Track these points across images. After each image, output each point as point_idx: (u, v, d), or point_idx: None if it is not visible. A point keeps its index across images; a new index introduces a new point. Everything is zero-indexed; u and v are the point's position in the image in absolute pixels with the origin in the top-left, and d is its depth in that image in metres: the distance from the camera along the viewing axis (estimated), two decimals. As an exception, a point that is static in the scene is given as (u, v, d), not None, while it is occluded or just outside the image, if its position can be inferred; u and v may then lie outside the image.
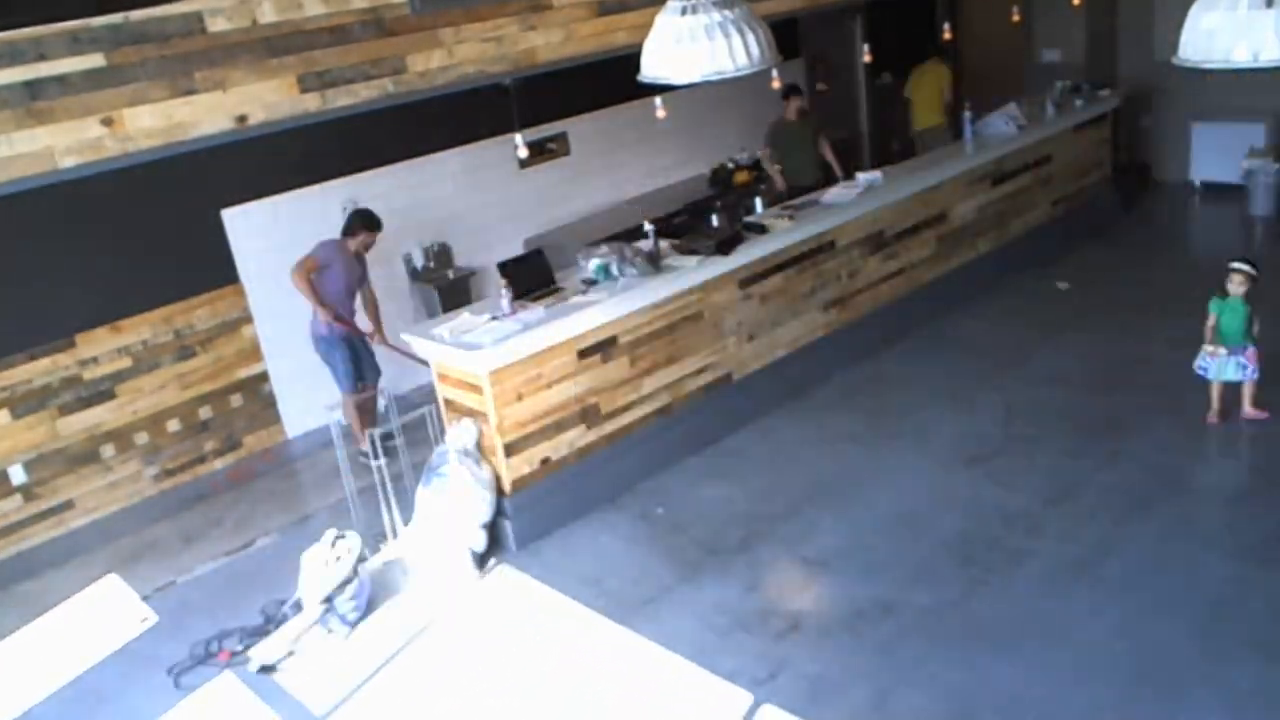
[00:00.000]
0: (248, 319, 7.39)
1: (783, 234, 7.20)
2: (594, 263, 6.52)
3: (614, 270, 6.45)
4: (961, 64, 12.49)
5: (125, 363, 6.88)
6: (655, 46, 4.29)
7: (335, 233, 7.13)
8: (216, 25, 5.09)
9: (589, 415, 6.34)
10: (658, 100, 6.59)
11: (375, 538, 6.26)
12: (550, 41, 6.25)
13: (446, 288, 8.14)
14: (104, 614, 6.05)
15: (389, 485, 6.07)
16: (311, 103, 5.46)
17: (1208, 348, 6.20)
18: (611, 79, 6.57)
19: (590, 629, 5.31)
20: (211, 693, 5.24)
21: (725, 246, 6.83)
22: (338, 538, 5.61)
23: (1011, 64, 11.70)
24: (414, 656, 5.30)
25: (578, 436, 6.31)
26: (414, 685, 5.10)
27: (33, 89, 4.65)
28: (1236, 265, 6.08)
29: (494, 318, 6.04)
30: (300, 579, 5.57)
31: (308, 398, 7.64)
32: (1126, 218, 10.15)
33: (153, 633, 5.81)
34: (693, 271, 6.66)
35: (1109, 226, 9.91)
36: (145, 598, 6.13)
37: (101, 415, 6.82)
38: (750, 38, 4.22)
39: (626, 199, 9.65)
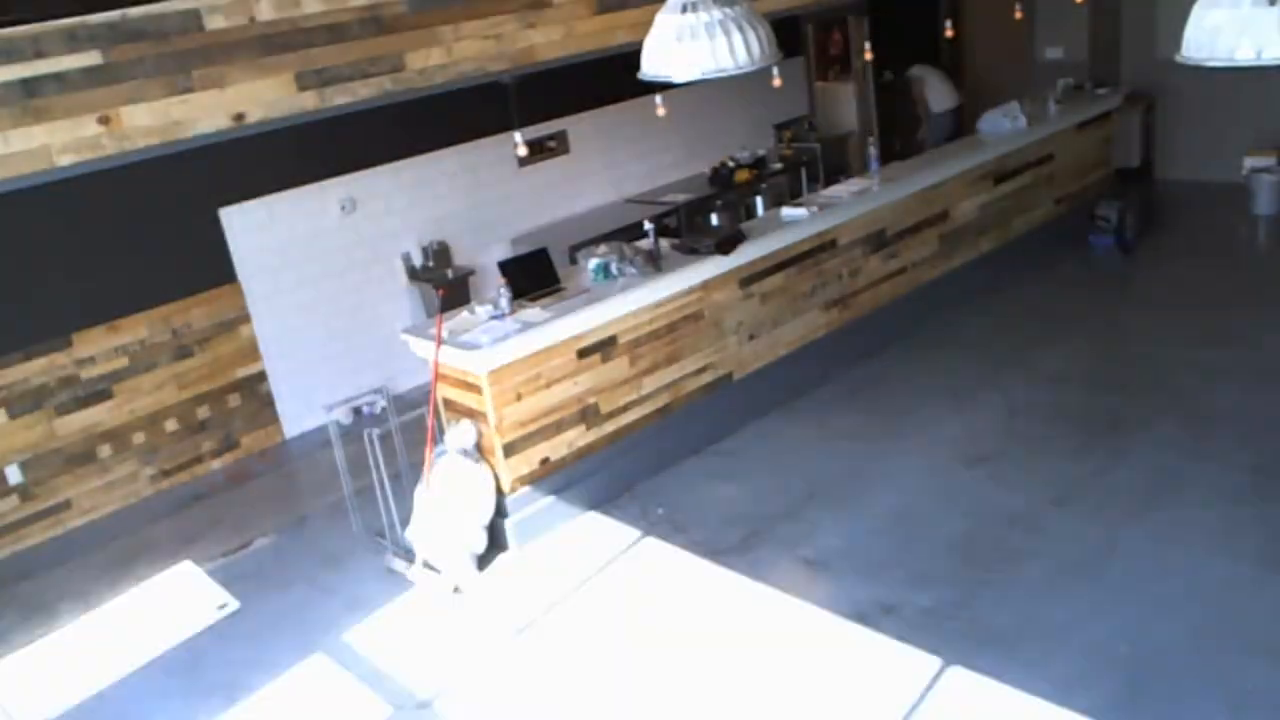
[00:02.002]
0: (245, 318, 7.37)
1: (783, 232, 7.17)
2: (593, 262, 6.50)
3: (613, 270, 6.42)
4: (963, 62, 12.48)
5: (122, 362, 6.86)
6: (655, 44, 4.27)
7: (331, 231, 7.10)
8: (214, 23, 5.06)
9: (589, 415, 6.31)
10: (658, 98, 6.56)
11: (374, 537, 6.24)
12: (550, 39, 6.21)
13: (445, 286, 8.11)
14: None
15: (388, 485, 6.05)
16: (309, 101, 5.42)
17: None
18: (611, 77, 6.54)
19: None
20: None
21: (726, 246, 6.80)
22: None
23: (1014, 62, 11.68)
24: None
25: (577, 436, 6.28)
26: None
27: (29, 86, 4.61)
28: None
29: (493, 317, 6.01)
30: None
31: (305, 398, 7.64)
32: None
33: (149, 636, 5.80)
34: (693, 270, 6.63)
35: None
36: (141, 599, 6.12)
37: (99, 415, 6.80)
38: (751, 35, 4.19)
39: (626, 197, 9.62)
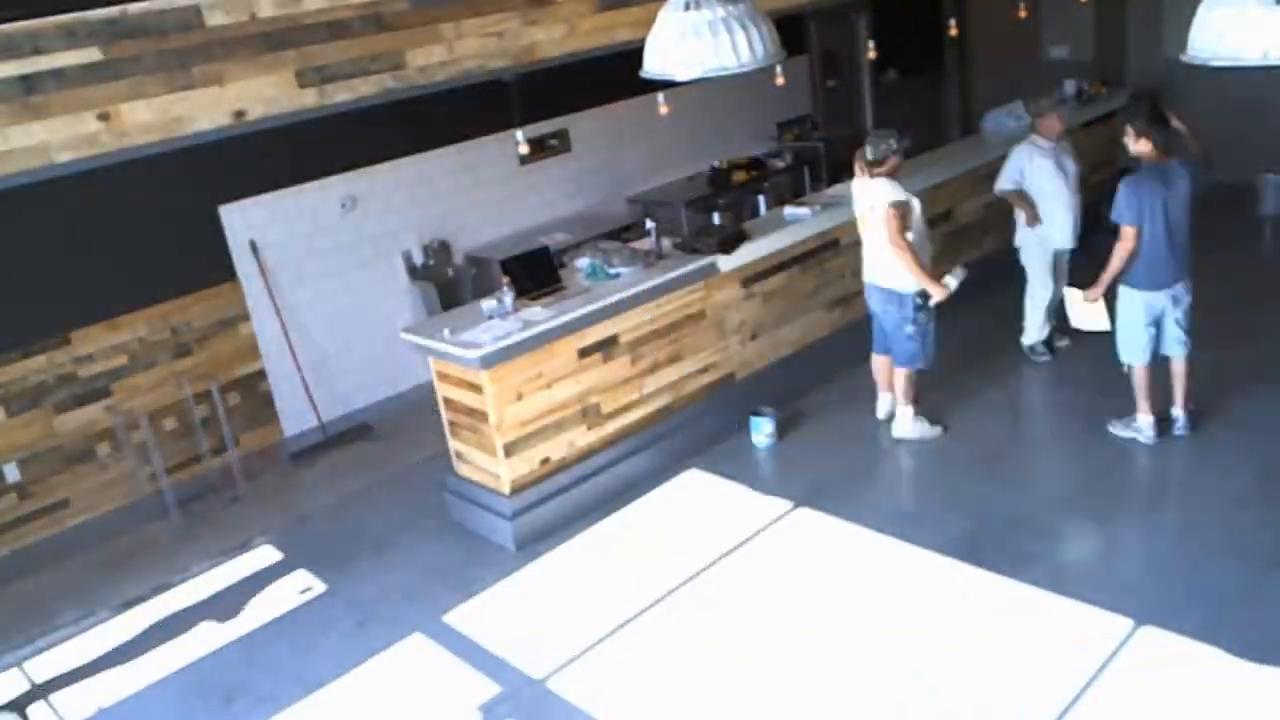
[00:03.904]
0: (245, 316, 7.35)
1: (785, 232, 7.13)
2: (584, 263, 6.49)
3: (605, 270, 6.41)
4: (967, 61, 12.44)
5: (121, 360, 6.83)
6: (658, 42, 4.24)
7: (331, 230, 7.00)
8: (214, 19, 5.03)
9: (590, 415, 6.28)
10: (660, 96, 6.54)
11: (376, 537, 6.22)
12: (552, 37, 6.18)
13: (446, 285, 8.09)
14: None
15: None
16: (310, 98, 5.39)
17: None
18: (613, 75, 6.51)
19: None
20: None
21: (728, 245, 6.77)
22: None
23: (1018, 61, 11.63)
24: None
25: (578, 436, 6.25)
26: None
27: (28, 83, 4.59)
28: None
29: (494, 316, 5.98)
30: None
31: (304, 396, 7.62)
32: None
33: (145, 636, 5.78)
34: (694, 270, 6.59)
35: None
36: (140, 598, 6.09)
37: (97, 413, 6.77)
38: (754, 33, 4.17)
39: (628, 196, 9.60)
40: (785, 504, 6.07)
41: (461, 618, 5.49)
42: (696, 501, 6.32)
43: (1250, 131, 10.17)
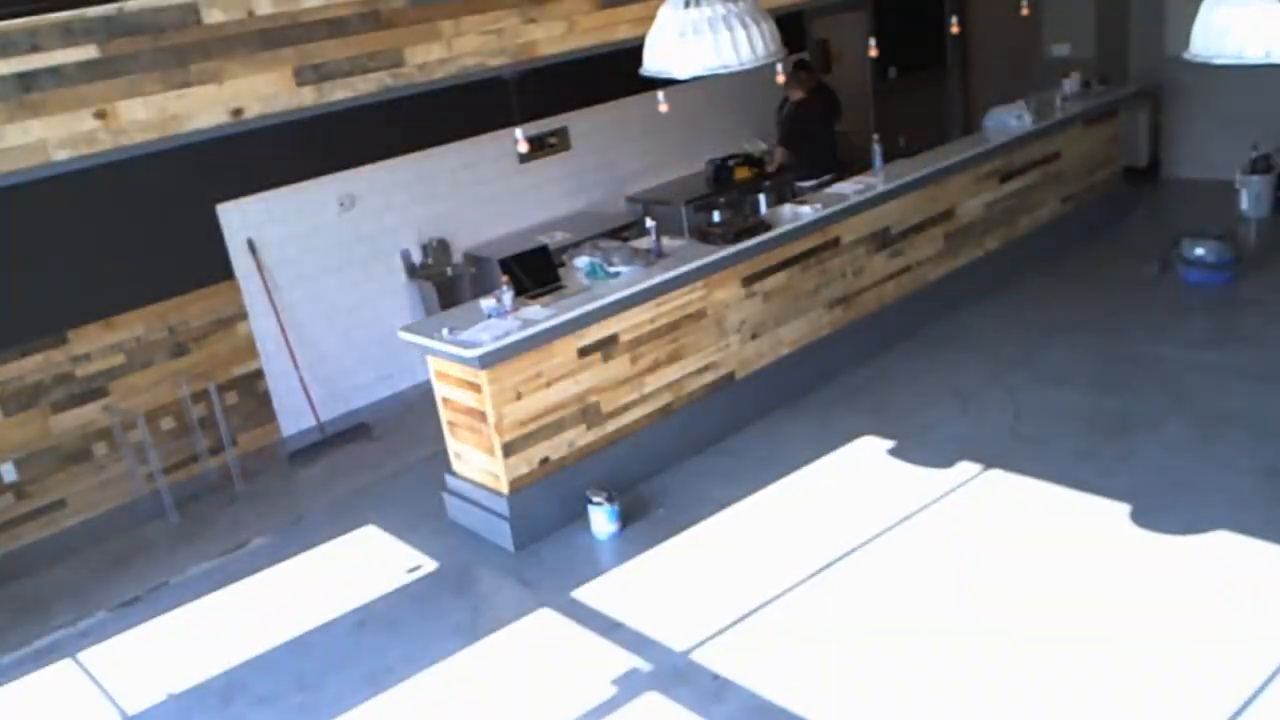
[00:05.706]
0: (243, 315, 7.32)
1: (786, 230, 7.11)
2: (584, 262, 6.47)
3: (603, 269, 6.39)
4: (969, 59, 12.42)
5: (119, 359, 6.80)
6: (658, 39, 4.23)
7: (329, 228, 7.00)
8: (212, 17, 5.00)
9: (589, 414, 6.26)
10: (660, 94, 6.52)
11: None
12: (551, 34, 6.16)
13: (445, 284, 8.06)
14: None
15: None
16: (308, 96, 5.36)
17: None
18: (613, 73, 6.48)
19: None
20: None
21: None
22: None
23: (1020, 59, 11.61)
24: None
25: (578, 436, 6.22)
26: None
27: (25, 81, 4.56)
28: None
29: (493, 315, 5.96)
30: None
31: (302, 396, 7.59)
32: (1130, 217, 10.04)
33: (145, 630, 5.76)
34: (695, 268, 6.56)
35: (1118, 224, 9.82)
36: (137, 598, 6.07)
37: (94, 413, 6.75)
38: (754, 31, 4.15)
39: (628, 194, 9.57)
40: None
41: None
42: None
43: (1253, 131, 10.15)
